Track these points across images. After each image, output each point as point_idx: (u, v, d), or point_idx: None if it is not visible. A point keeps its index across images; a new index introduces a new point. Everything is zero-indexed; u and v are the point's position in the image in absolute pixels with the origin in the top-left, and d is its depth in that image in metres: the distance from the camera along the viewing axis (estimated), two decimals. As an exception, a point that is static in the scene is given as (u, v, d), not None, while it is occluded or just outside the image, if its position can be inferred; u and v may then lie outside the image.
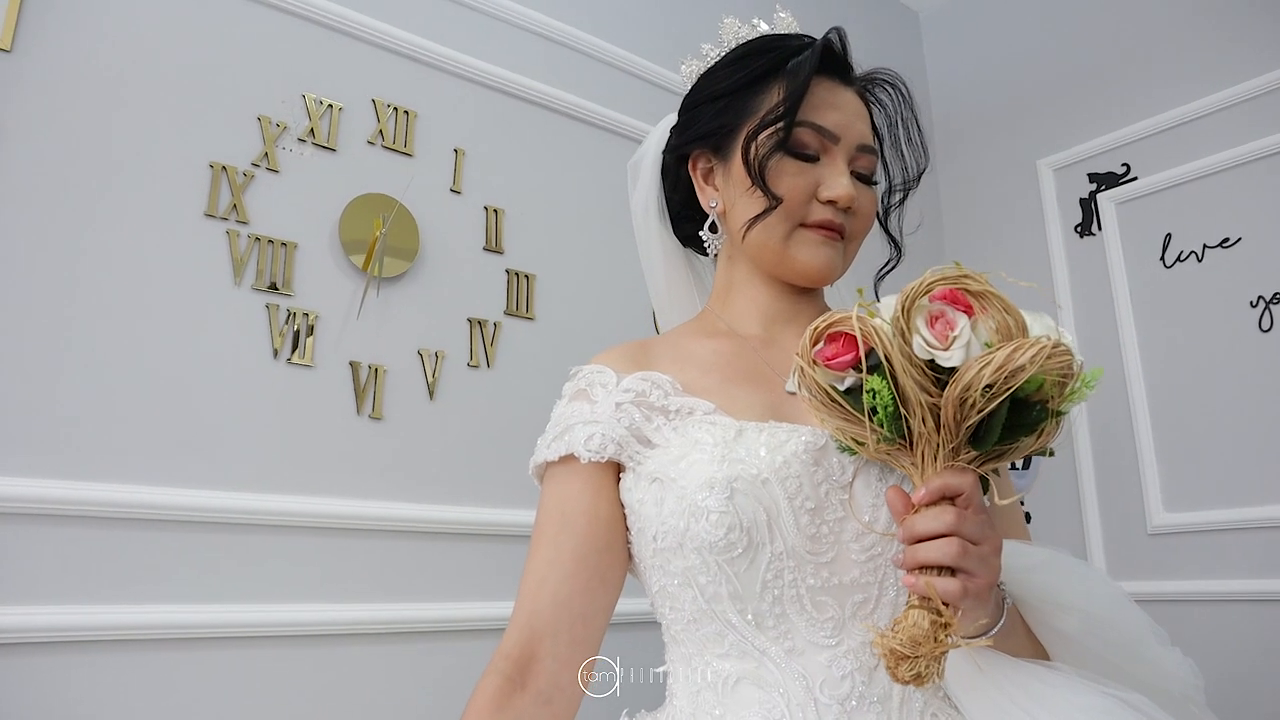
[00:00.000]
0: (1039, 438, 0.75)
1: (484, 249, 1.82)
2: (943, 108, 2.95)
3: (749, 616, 0.83)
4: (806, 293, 1.02)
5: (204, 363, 1.45)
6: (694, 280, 1.15)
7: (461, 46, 1.85)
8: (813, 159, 0.94)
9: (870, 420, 0.73)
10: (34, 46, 1.38)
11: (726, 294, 1.03)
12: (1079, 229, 2.53)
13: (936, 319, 0.70)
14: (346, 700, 1.49)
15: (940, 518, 0.71)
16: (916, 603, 0.71)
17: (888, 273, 1.07)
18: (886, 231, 1.06)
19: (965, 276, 0.69)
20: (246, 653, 1.41)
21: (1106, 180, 2.49)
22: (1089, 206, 2.52)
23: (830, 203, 0.93)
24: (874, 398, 0.72)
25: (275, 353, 1.51)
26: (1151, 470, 2.28)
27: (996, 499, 0.73)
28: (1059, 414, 0.71)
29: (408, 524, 1.59)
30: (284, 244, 1.55)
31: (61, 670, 1.26)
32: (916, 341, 0.70)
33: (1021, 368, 0.66)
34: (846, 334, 0.74)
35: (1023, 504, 2.15)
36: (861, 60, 1.01)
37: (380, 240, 1.62)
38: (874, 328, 0.72)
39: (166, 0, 1.52)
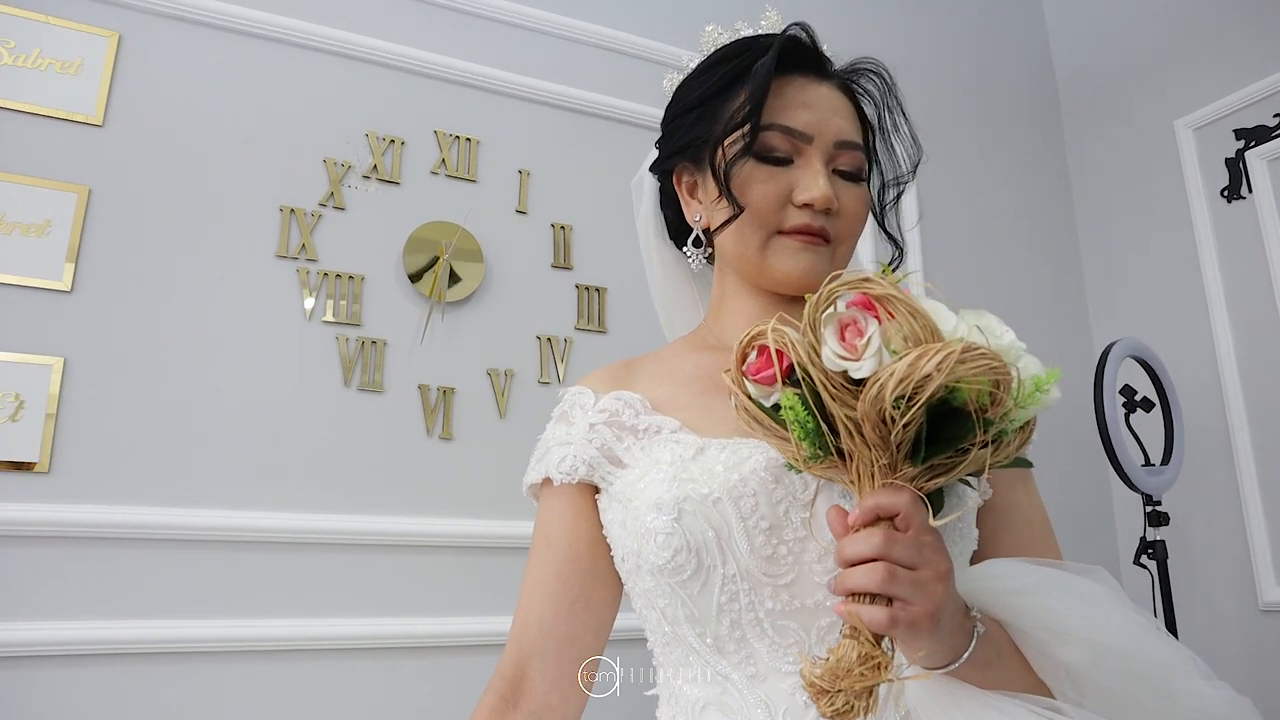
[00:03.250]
0: (998, 449, 0.68)
1: (552, 266, 1.85)
2: (1067, 72, 2.72)
3: (708, 640, 0.80)
4: (800, 302, 0.97)
5: (280, 394, 1.56)
6: (700, 296, 1.12)
7: (520, 69, 1.90)
8: (784, 162, 0.89)
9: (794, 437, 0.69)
10: (122, 120, 1.54)
11: (719, 307, 1.00)
12: (1225, 193, 2.25)
13: (847, 327, 0.65)
14: (431, 711, 1.55)
15: (868, 540, 0.66)
16: (848, 632, 0.66)
17: (890, 272, 1.00)
18: (884, 230, 0.99)
19: (866, 280, 0.63)
20: (332, 664, 1.50)
21: (1256, 136, 2.20)
22: (1236, 167, 2.24)
23: (807, 206, 0.88)
24: (792, 413, 0.68)
25: (346, 381, 1.61)
26: (1325, 463, 1.99)
27: (932, 519, 0.66)
28: (989, 423, 0.63)
29: (482, 540, 1.64)
30: (351, 277, 1.64)
31: (168, 678, 1.40)
32: (825, 353, 0.65)
33: (928, 376, 0.60)
34: (778, 348, 0.70)
35: (1159, 504, 1.93)
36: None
37: (443, 266, 1.69)
38: (790, 340, 0.68)
39: (236, 63, 1.65)
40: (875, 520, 0.67)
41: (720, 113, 0.92)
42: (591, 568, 0.91)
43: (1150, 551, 1.91)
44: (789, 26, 0.92)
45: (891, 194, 0.98)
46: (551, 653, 0.89)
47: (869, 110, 0.96)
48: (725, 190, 0.88)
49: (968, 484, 0.77)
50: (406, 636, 1.55)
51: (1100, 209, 2.58)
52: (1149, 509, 1.93)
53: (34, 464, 1.36)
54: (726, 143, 0.88)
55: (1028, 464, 0.74)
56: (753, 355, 0.73)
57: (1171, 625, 1.87)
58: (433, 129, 1.80)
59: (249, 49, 1.66)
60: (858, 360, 0.64)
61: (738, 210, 0.88)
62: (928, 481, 0.69)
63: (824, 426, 0.67)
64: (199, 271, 1.54)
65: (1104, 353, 1.91)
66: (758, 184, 0.88)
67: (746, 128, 0.87)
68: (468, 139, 1.82)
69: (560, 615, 0.90)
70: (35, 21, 1.50)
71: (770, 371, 0.69)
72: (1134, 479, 1.86)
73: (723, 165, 0.88)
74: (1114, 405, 1.86)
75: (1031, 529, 0.90)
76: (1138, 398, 1.99)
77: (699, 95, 0.95)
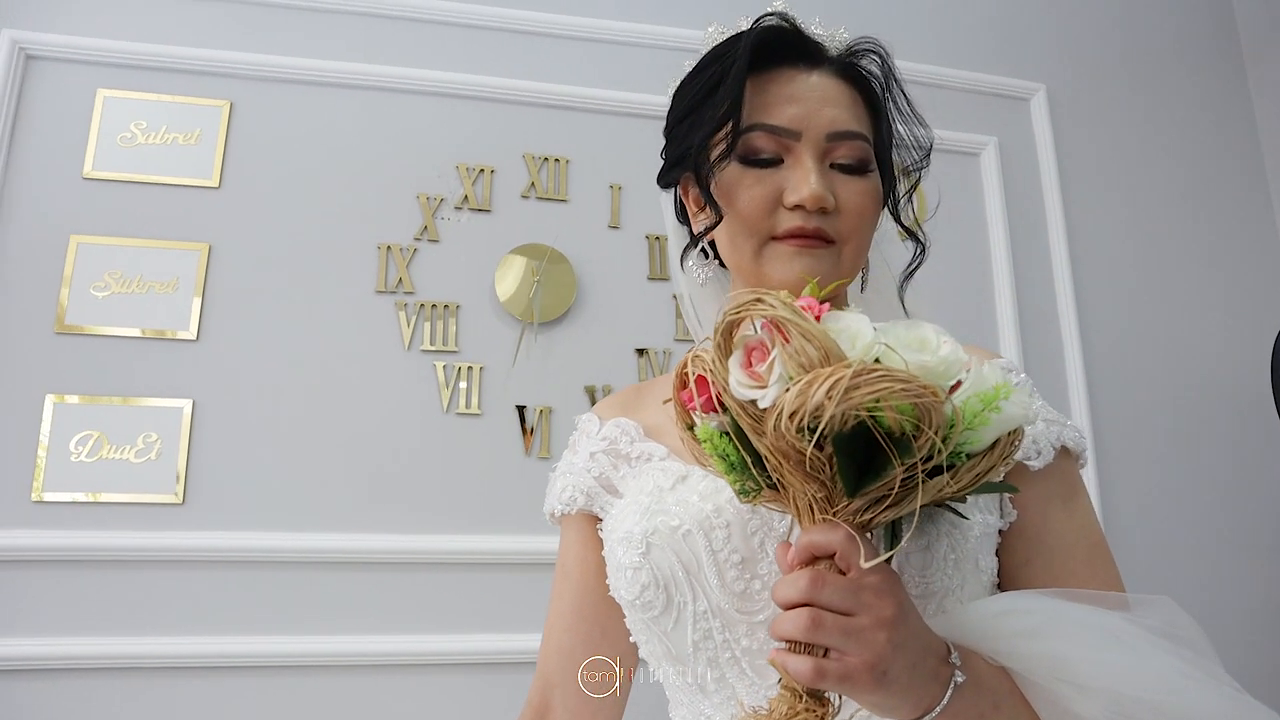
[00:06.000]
0: (956, 474, 0.60)
1: (648, 278, 1.84)
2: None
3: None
4: None
5: (385, 423, 1.66)
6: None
7: (603, 83, 1.90)
8: (773, 163, 0.83)
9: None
10: (236, 180, 1.70)
11: None
12: None
13: (753, 351, 0.59)
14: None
15: (795, 584, 0.60)
16: (785, 682, 0.60)
17: (913, 272, 0.91)
18: (902, 226, 0.90)
19: (758, 301, 0.57)
20: (451, 678, 1.57)
21: None
22: None
23: (798, 207, 0.82)
24: (710, 446, 0.63)
25: (446, 406, 1.68)
26: None
27: (862, 562, 0.58)
28: (906, 448, 0.55)
29: (583, 556, 1.65)
30: (447, 306, 1.72)
31: (296, 689, 1.52)
32: (732, 383, 0.60)
33: (820, 405, 0.53)
34: (699, 374, 0.65)
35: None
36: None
37: (535, 287, 1.72)
38: (707, 366, 0.63)
39: (332, 115, 1.77)
40: (813, 560, 0.61)
41: (706, 118, 0.88)
42: (605, 598, 0.89)
43: (1362, 557, 1.61)
44: (762, 16, 0.85)
45: (904, 185, 0.89)
46: (570, 684, 0.89)
47: (879, 91, 0.88)
48: (706, 197, 0.83)
49: (954, 510, 0.68)
50: (516, 652, 1.59)
51: (1298, 154, 2.21)
52: (1358, 506, 1.64)
53: (171, 496, 1.52)
54: (710, 146, 0.84)
55: (1011, 489, 0.64)
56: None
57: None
58: (521, 154, 1.84)
59: (342, 100, 1.78)
60: (764, 388, 0.58)
61: (717, 218, 0.83)
62: (880, 514, 0.61)
63: (748, 459, 0.62)
64: (307, 312, 1.67)
65: (1283, 328, 1.64)
66: (744, 189, 0.82)
67: (728, 129, 0.82)
68: (556, 160, 1.85)
69: (578, 645, 0.89)
70: (161, 102, 1.69)
71: (694, 401, 0.65)
72: (1331, 472, 1.58)
73: (705, 173, 0.83)
74: (1297, 387, 1.59)
75: (1072, 554, 0.78)
76: (1335, 377, 1.69)
77: (689, 102, 0.91)
